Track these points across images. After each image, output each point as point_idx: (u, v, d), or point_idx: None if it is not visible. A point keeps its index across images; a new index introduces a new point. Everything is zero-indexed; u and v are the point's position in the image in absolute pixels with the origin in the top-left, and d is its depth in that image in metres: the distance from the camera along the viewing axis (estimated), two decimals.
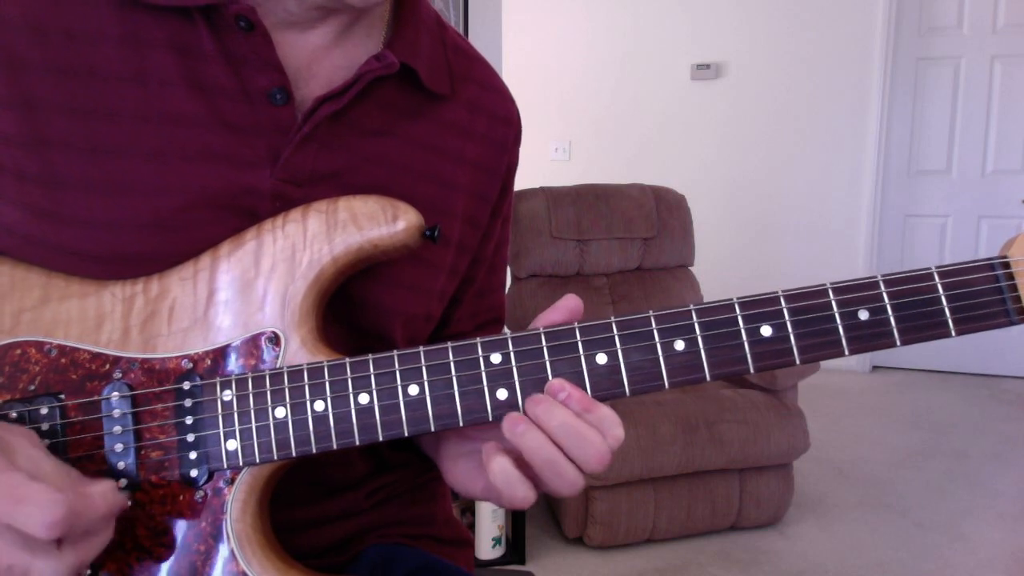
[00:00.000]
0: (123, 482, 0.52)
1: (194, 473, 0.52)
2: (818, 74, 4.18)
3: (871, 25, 4.06)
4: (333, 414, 0.52)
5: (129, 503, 0.51)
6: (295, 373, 0.52)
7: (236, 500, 0.52)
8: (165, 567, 0.52)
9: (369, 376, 0.52)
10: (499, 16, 2.86)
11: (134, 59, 0.54)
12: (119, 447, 0.52)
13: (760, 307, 0.51)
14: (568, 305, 0.53)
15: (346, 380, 0.52)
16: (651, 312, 0.51)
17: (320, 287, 0.55)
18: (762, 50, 4.27)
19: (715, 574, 2.21)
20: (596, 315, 0.52)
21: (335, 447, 0.52)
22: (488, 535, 2.20)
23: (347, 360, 0.52)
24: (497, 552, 2.22)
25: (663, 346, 0.51)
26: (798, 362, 0.51)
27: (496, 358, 0.51)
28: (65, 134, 0.53)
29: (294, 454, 0.52)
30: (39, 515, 0.42)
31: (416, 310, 0.64)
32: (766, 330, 0.51)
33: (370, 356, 0.52)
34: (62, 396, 0.52)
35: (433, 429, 0.51)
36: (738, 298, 0.51)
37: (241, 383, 0.52)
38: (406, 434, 0.52)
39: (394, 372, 0.52)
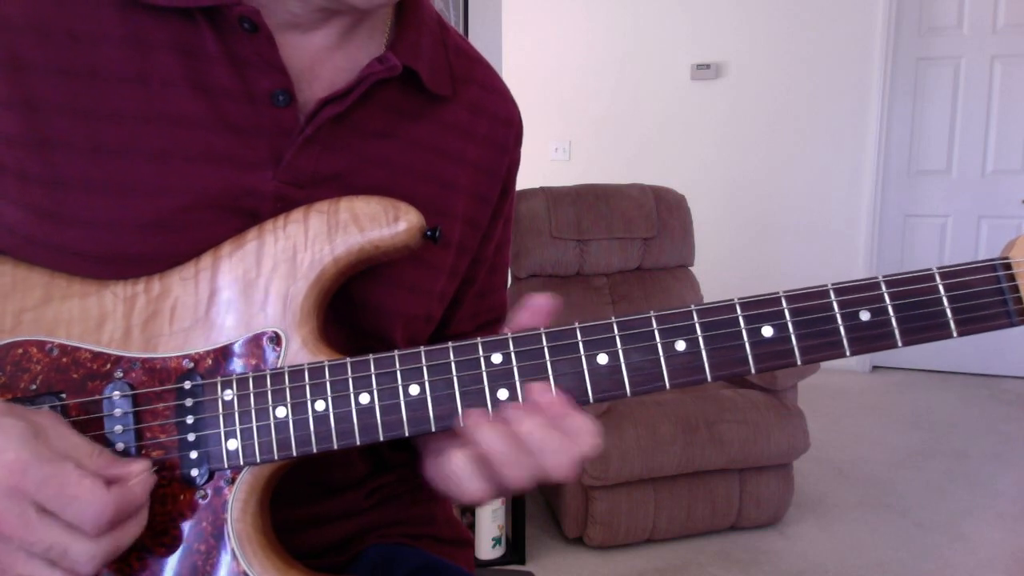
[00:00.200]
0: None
1: (195, 473, 0.52)
2: (818, 74, 4.18)
3: (871, 25, 4.06)
4: (334, 414, 0.52)
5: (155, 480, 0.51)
6: (296, 373, 0.52)
7: (237, 500, 0.52)
8: (166, 566, 0.52)
9: (370, 376, 0.52)
10: (499, 16, 2.86)
11: (137, 60, 0.54)
12: (120, 446, 0.52)
13: (761, 308, 0.51)
14: (535, 305, 0.53)
15: (347, 380, 0.52)
16: (652, 312, 0.51)
17: (321, 287, 0.55)
18: (762, 50, 4.27)
19: (715, 574, 2.21)
20: (596, 315, 0.52)
21: (336, 447, 0.52)
22: (488, 535, 2.20)
23: (348, 360, 0.52)
24: (497, 552, 2.22)
25: (664, 346, 0.51)
26: (799, 363, 0.51)
27: (497, 358, 0.51)
28: (67, 134, 0.53)
29: (295, 454, 0.52)
30: (91, 512, 0.44)
31: (416, 311, 0.65)
32: (767, 331, 0.51)
33: (371, 356, 0.52)
34: (63, 395, 0.52)
35: (434, 429, 0.52)
36: (739, 298, 0.51)
37: (242, 383, 0.52)
38: (407, 434, 0.52)
39: (395, 372, 0.52)
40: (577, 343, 0.51)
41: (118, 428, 0.52)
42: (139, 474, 0.48)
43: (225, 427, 0.52)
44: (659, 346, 0.51)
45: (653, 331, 0.51)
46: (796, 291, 0.51)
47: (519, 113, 0.72)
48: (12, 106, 0.52)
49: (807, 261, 4.29)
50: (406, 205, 0.55)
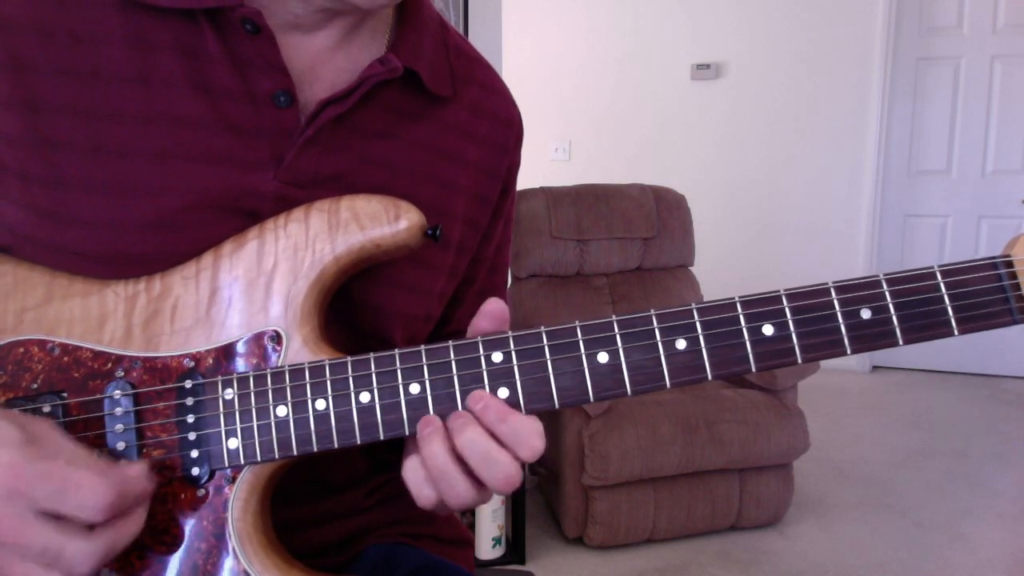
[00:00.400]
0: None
1: (196, 472, 0.52)
2: (818, 74, 4.18)
3: (871, 25, 4.06)
4: (334, 413, 0.52)
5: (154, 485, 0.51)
6: (297, 372, 0.52)
7: (237, 499, 0.52)
8: (166, 565, 0.52)
9: (371, 375, 0.52)
10: (499, 16, 2.86)
11: (138, 60, 0.54)
12: (121, 445, 0.52)
13: (762, 306, 0.51)
14: (490, 310, 0.52)
15: (347, 379, 0.52)
16: (652, 311, 0.51)
17: (322, 286, 0.55)
18: (762, 50, 4.27)
19: (715, 574, 2.21)
20: (596, 315, 0.52)
21: (336, 446, 0.52)
22: (488, 535, 2.20)
23: (349, 359, 0.52)
24: (497, 552, 2.22)
25: (664, 345, 0.51)
26: (800, 361, 0.51)
27: (497, 357, 0.51)
28: (69, 135, 0.53)
29: (295, 453, 0.52)
30: (92, 499, 0.44)
31: (416, 311, 0.65)
32: (768, 329, 0.51)
33: (371, 355, 0.52)
34: (64, 394, 0.52)
35: None
36: (740, 297, 0.51)
37: (243, 382, 0.52)
38: (407, 433, 0.52)
39: (395, 371, 0.52)
40: (578, 342, 0.51)
41: (119, 427, 0.52)
42: (138, 473, 0.48)
43: (226, 426, 0.52)
44: (660, 345, 0.51)
45: (654, 330, 0.51)
46: (797, 289, 0.51)
47: (519, 114, 0.73)
48: (13, 106, 0.52)
49: (807, 261, 4.29)
50: (407, 204, 0.55)
